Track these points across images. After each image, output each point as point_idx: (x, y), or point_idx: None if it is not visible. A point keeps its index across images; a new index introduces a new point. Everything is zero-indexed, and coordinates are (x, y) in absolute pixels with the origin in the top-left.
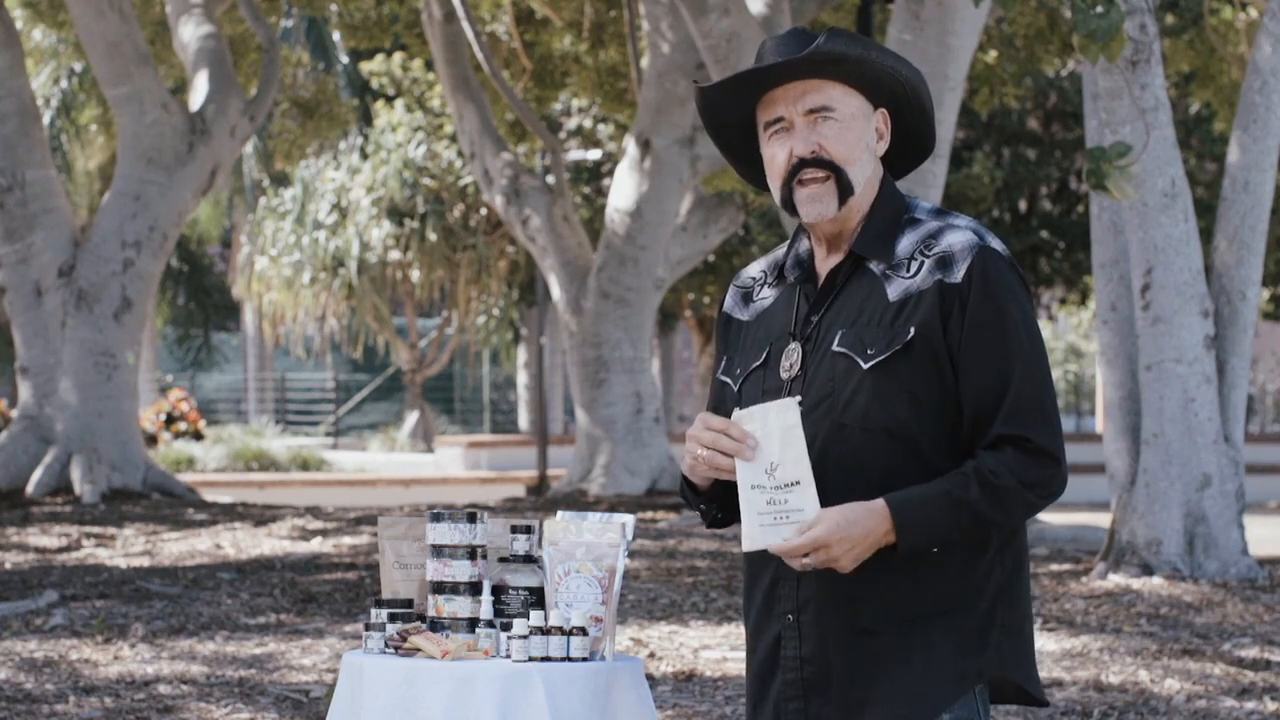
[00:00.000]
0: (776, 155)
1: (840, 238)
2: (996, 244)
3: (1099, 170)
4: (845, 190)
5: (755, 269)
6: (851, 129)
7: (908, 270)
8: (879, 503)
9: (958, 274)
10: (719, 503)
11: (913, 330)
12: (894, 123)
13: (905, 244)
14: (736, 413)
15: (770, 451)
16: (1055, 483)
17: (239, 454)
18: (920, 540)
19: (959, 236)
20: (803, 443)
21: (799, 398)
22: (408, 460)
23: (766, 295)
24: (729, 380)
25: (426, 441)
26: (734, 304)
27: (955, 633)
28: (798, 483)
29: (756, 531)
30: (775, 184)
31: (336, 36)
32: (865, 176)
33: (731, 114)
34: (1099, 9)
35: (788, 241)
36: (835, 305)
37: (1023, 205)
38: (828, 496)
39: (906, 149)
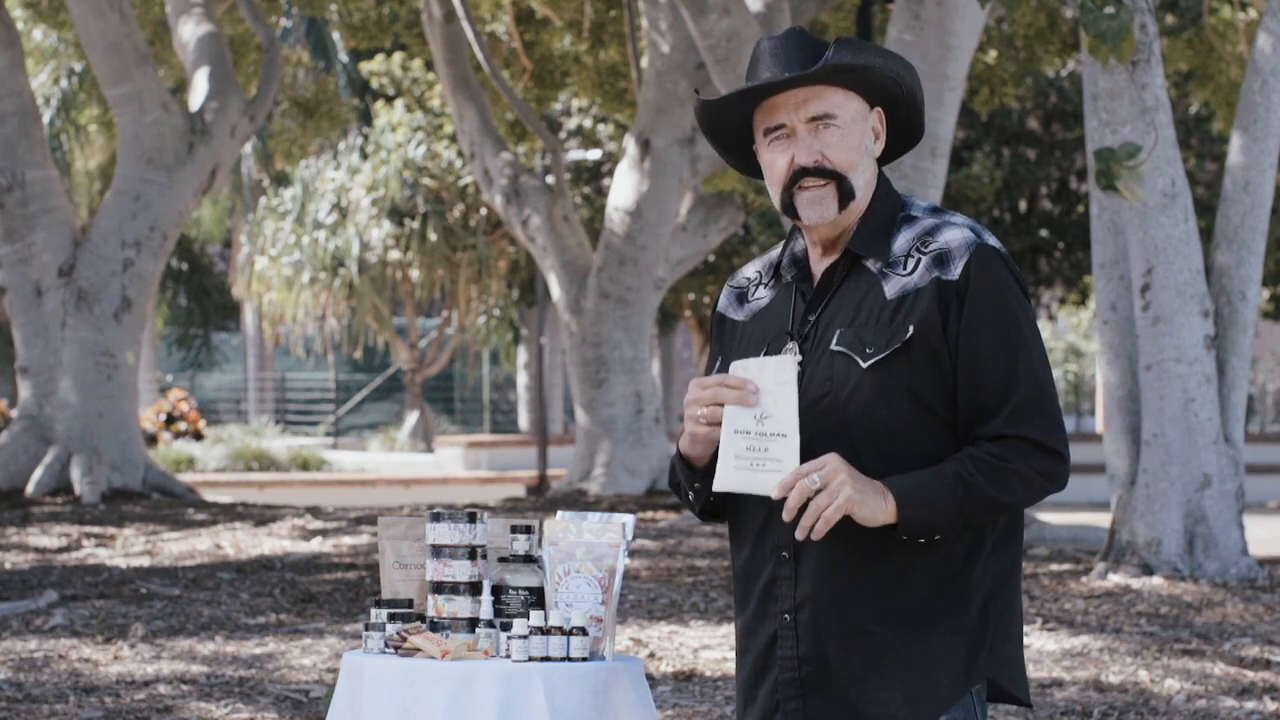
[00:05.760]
0: (777, 161)
1: (838, 239)
2: (993, 241)
3: (1109, 172)
4: (846, 195)
5: (750, 270)
6: (852, 134)
7: (904, 268)
8: (878, 482)
9: (955, 271)
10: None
11: (911, 328)
12: (887, 118)
13: (901, 241)
14: (734, 364)
15: (763, 403)
16: (1059, 476)
17: (239, 454)
18: (921, 515)
19: (956, 234)
20: (795, 400)
21: (799, 356)
22: (408, 460)
23: (762, 296)
24: None
25: (426, 441)
26: (728, 304)
27: (952, 634)
28: (784, 435)
29: (731, 474)
30: (775, 190)
31: (336, 36)
32: (865, 180)
33: (730, 119)
34: (1109, 10)
35: (783, 242)
36: (832, 304)
37: (1023, 205)
38: None
39: (897, 140)
